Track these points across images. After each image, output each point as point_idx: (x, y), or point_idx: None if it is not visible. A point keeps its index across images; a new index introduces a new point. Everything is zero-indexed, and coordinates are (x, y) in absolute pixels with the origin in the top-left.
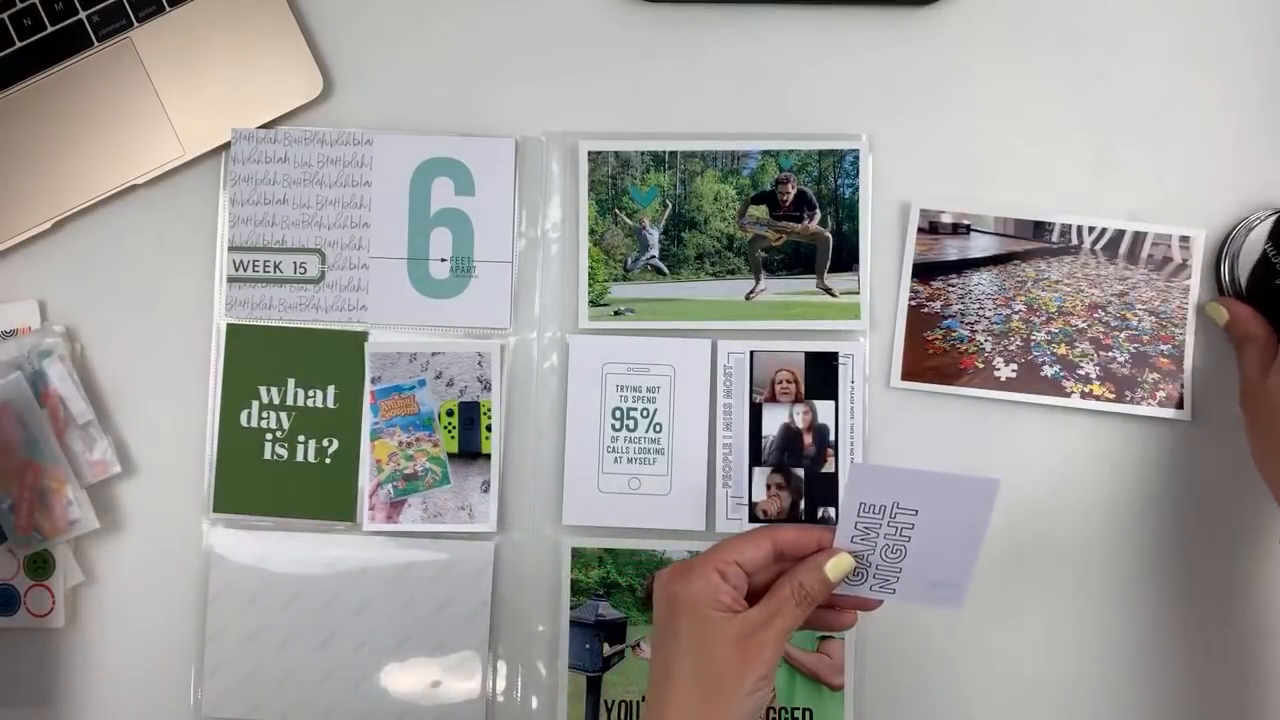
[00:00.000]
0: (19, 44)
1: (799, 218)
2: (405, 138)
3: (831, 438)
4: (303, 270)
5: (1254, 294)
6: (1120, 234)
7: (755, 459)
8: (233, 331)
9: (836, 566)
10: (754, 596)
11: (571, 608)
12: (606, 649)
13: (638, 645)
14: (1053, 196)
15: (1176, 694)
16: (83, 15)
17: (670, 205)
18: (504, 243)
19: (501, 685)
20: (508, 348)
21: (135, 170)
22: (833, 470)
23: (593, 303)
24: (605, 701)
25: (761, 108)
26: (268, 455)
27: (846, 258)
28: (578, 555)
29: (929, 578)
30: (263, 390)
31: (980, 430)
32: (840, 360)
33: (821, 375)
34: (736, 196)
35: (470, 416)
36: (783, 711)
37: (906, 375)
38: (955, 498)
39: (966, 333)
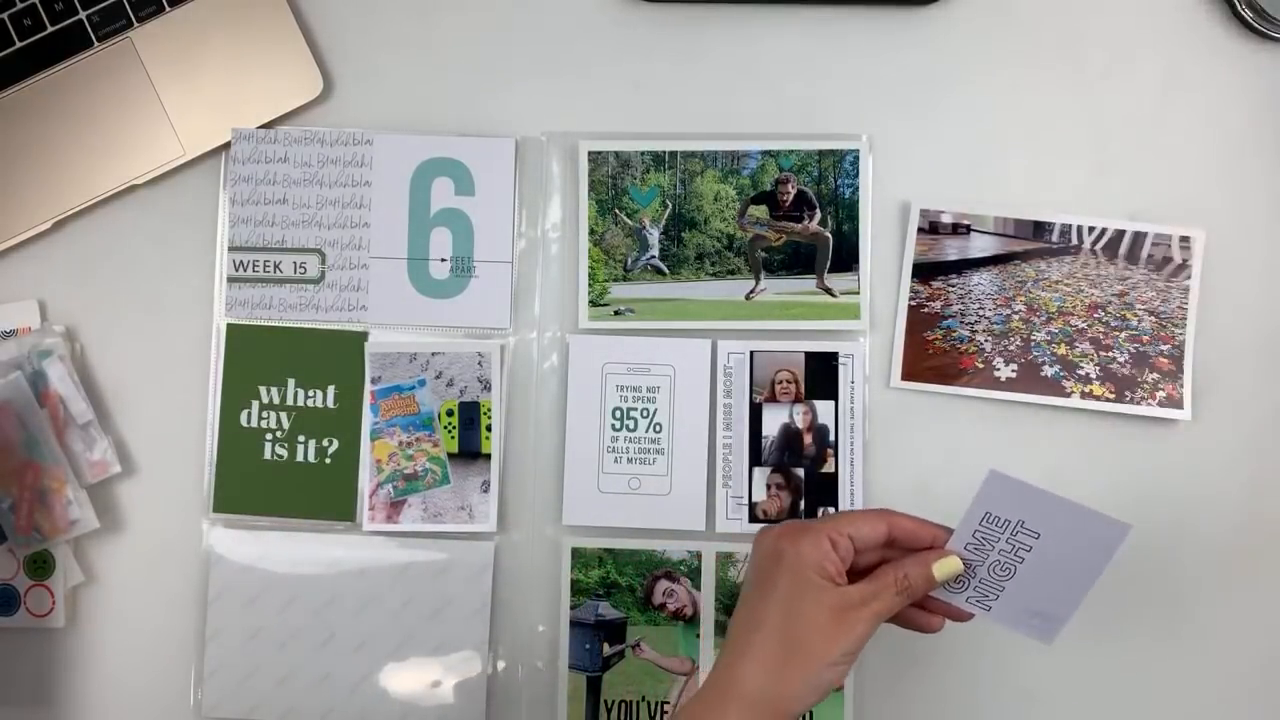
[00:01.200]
0: (19, 44)
1: (799, 218)
2: (405, 138)
3: (831, 438)
4: (303, 270)
5: None
6: (1120, 234)
7: (755, 459)
8: (233, 331)
9: (944, 566)
10: (853, 576)
11: (571, 608)
12: (606, 649)
13: (638, 645)
14: (1053, 196)
15: (1175, 694)
16: (83, 15)
17: (670, 205)
18: (504, 243)
19: (501, 686)
20: (508, 348)
21: (135, 170)
22: (832, 470)
23: (593, 303)
24: (605, 701)
25: (761, 108)
26: (268, 455)
27: (846, 258)
28: (578, 555)
29: (1029, 605)
30: (263, 390)
31: (980, 430)
32: (840, 360)
33: (821, 375)
34: (736, 196)
35: (470, 416)
36: None
37: (906, 375)
38: (1082, 532)
39: (966, 333)
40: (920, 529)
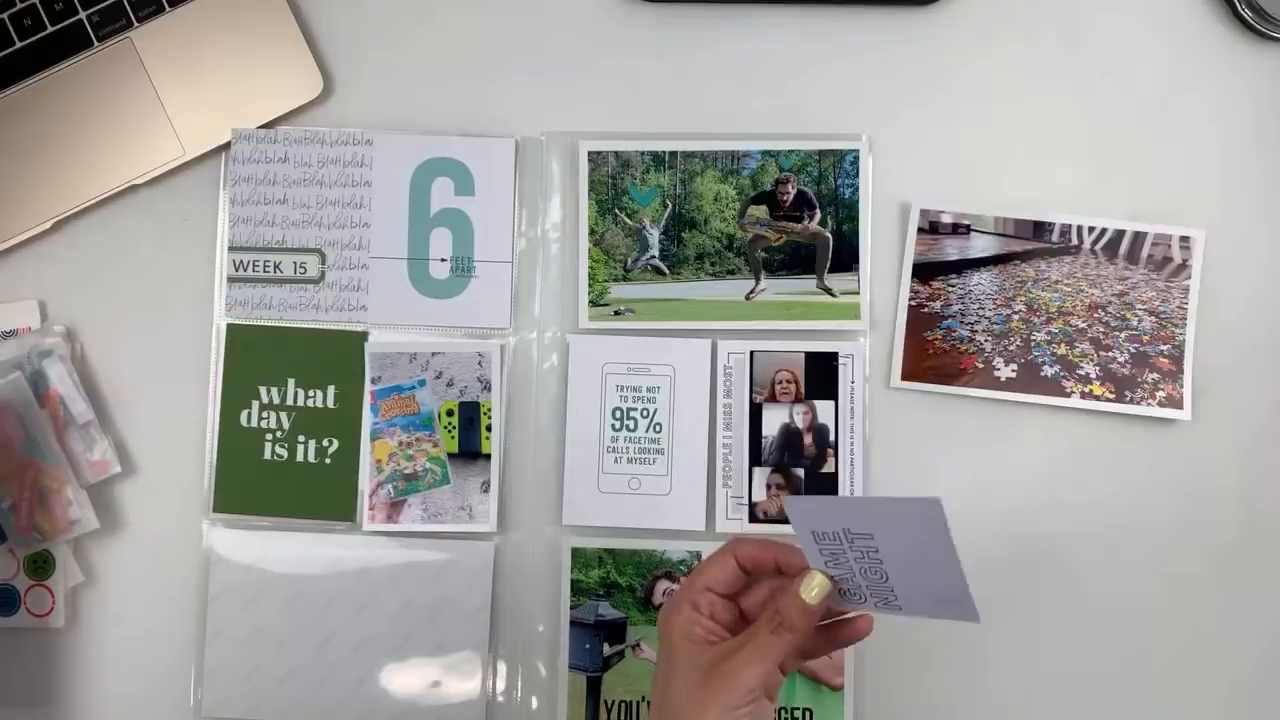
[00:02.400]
0: (19, 44)
1: (799, 218)
2: (405, 138)
3: (831, 438)
4: (303, 270)
5: None
6: (1120, 234)
7: (755, 459)
8: (233, 331)
9: (811, 587)
10: (752, 615)
11: (571, 608)
12: (606, 649)
13: (638, 645)
14: (1053, 196)
15: (1174, 694)
16: (83, 15)
17: (670, 205)
18: (504, 243)
19: (501, 685)
20: (508, 348)
21: (135, 170)
22: (832, 470)
23: (593, 303)
24: (605, 701)
25: (761, 108)
26: (268, 455)
27: (846, 258)
28: (578, 555)
29: (927, 595)
30: (263, 390)
31: (980, 430)
32: (840, 360)
33: (821, 375)
34: (736, 196)
35: (470, 416)
36: (783, 711)
37: (906, 375)
38: (902, 520)
39: (966, 333)
40: (762, 553)
